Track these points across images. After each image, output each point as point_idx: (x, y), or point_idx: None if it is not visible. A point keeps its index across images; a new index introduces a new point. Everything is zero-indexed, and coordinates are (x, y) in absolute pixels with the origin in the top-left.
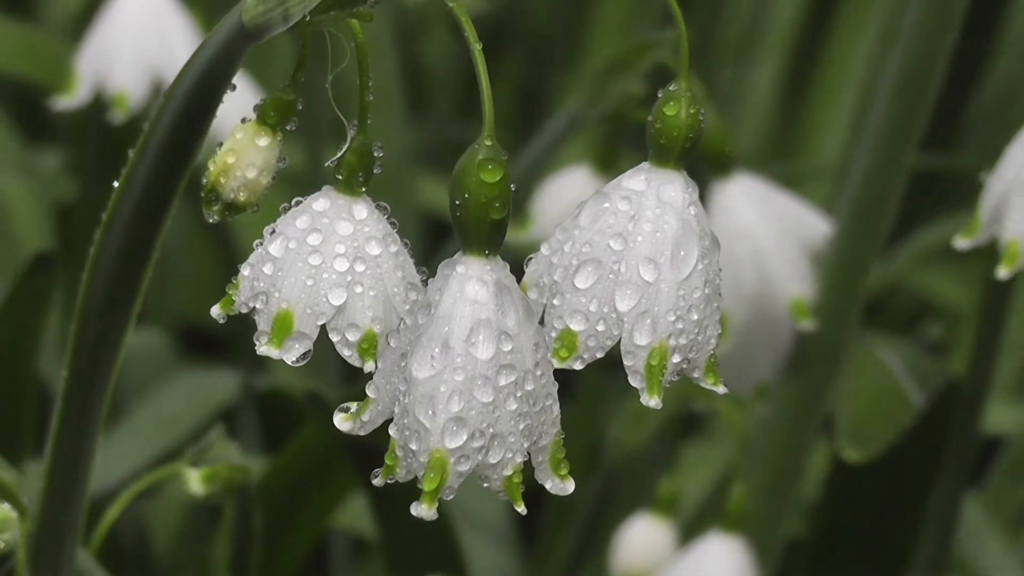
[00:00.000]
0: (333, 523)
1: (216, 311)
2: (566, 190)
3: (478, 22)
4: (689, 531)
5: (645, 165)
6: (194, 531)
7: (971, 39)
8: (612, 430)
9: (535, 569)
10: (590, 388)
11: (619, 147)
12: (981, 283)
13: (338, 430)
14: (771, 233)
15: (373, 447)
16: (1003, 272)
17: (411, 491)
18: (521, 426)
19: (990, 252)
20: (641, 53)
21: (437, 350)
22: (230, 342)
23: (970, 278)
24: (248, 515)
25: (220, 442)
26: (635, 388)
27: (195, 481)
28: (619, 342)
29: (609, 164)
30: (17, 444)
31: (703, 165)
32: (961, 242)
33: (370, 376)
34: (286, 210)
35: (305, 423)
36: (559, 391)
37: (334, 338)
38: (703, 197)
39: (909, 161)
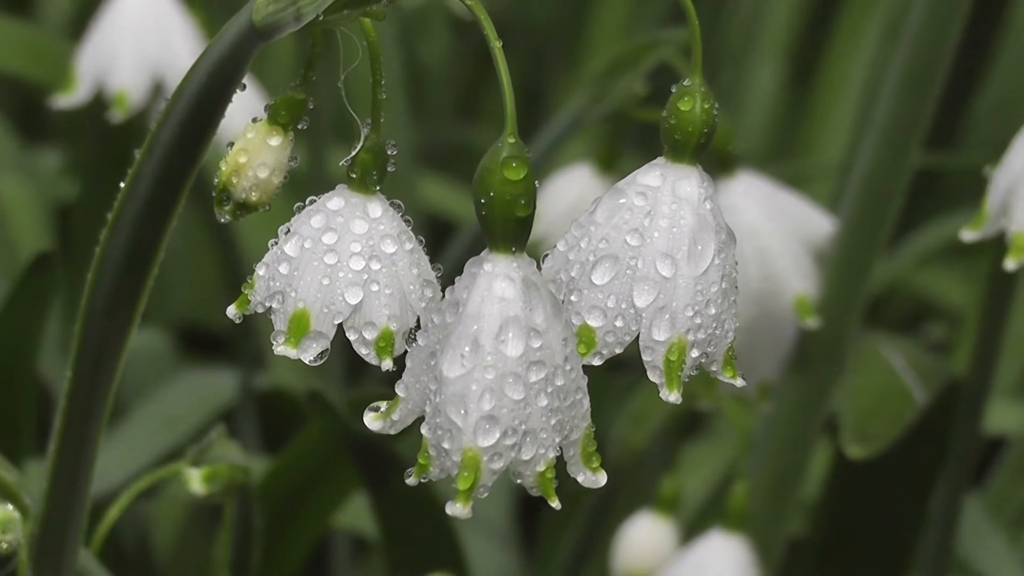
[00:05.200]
0: (334, 523)
1: (232, 311)
2: (568, 189)
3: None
4: (691, 530)
5: (660, 161)
6: (195, 531)
7: (973, 37)
8: (614, 429)
9: (536, 569)
10: (592, 387)
11: (621, 146)
12: (982, 283)
13: (339, 429)
14: (775, 231)
15: (374, 447)
16: (1010, 264)
17: (412, 491)
18: (553, 421)
19: (991, 251)
20: (644, 52)
21: (467, 349)
22: (230, 342)
23: (971, 278)
24: (249, 515)
25: (221, 442)
26: (637, 387)
27: (196, 481)
28: (637, 338)
29: (611, 163)
30: (18, 444)
31: (707, 163)
32: (968, 235)
33: (375, 375)
34: (300, 209)
35: (306, 423)
36: None
37: (351, 337)
38: None
39: (913, 159)
